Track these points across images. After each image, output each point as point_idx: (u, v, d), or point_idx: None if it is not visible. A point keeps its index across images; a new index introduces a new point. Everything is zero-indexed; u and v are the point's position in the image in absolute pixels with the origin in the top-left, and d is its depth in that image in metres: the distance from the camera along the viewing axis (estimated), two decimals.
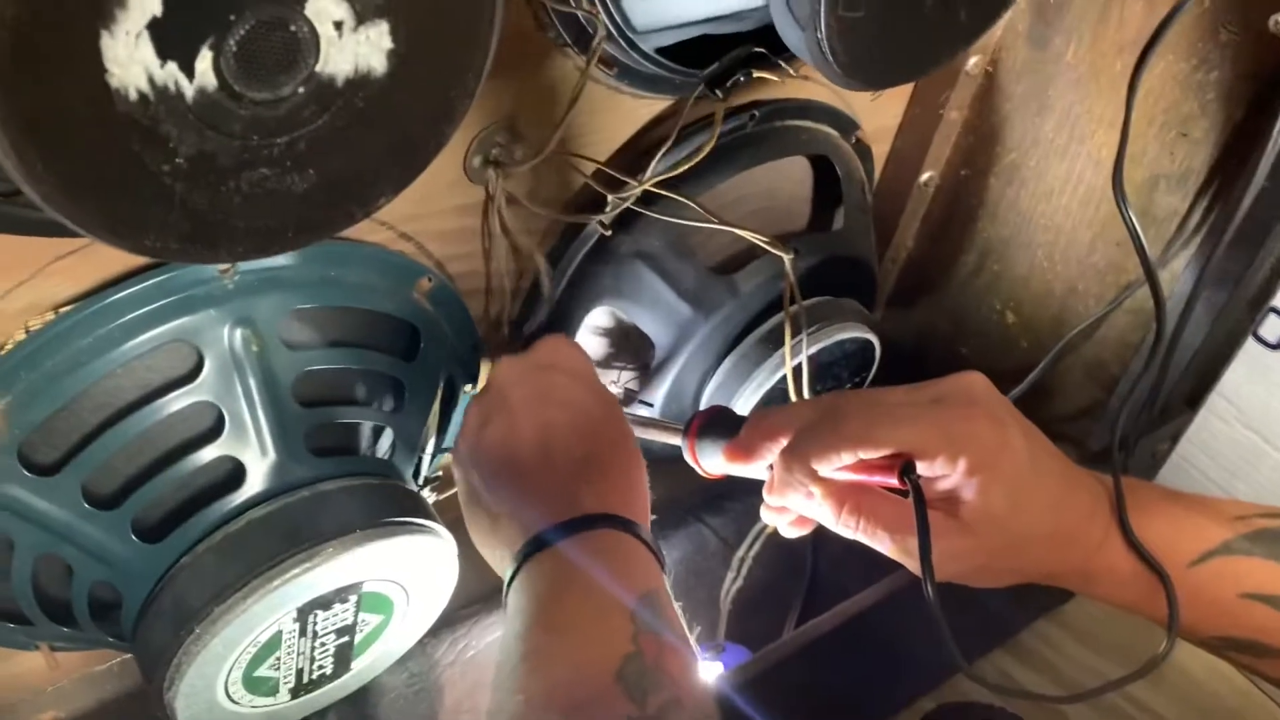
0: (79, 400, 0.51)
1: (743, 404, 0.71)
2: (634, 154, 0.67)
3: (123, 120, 0.34)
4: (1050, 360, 0.78)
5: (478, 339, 0.69)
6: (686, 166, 0.58)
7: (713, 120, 0.63)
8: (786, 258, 0.62)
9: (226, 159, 0.36)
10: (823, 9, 0.49)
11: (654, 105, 0.67)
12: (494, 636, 0.70)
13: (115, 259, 0.52)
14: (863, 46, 0.53)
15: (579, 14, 0.53)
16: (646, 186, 0.59)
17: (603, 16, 0.52)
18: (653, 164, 0.59)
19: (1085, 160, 0.76)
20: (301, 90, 0.37)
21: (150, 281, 0.51)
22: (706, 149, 0.57)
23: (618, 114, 0.66)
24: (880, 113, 0.82)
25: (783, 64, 0.53)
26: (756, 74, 0.54)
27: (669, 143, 0.58)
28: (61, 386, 0.50)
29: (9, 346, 0.51)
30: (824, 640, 0.63)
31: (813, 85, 0.74)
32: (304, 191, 0.39)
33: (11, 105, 0.31)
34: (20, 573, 0.54)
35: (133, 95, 0.33)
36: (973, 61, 0.79)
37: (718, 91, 0.54)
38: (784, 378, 0.70)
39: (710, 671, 0.63)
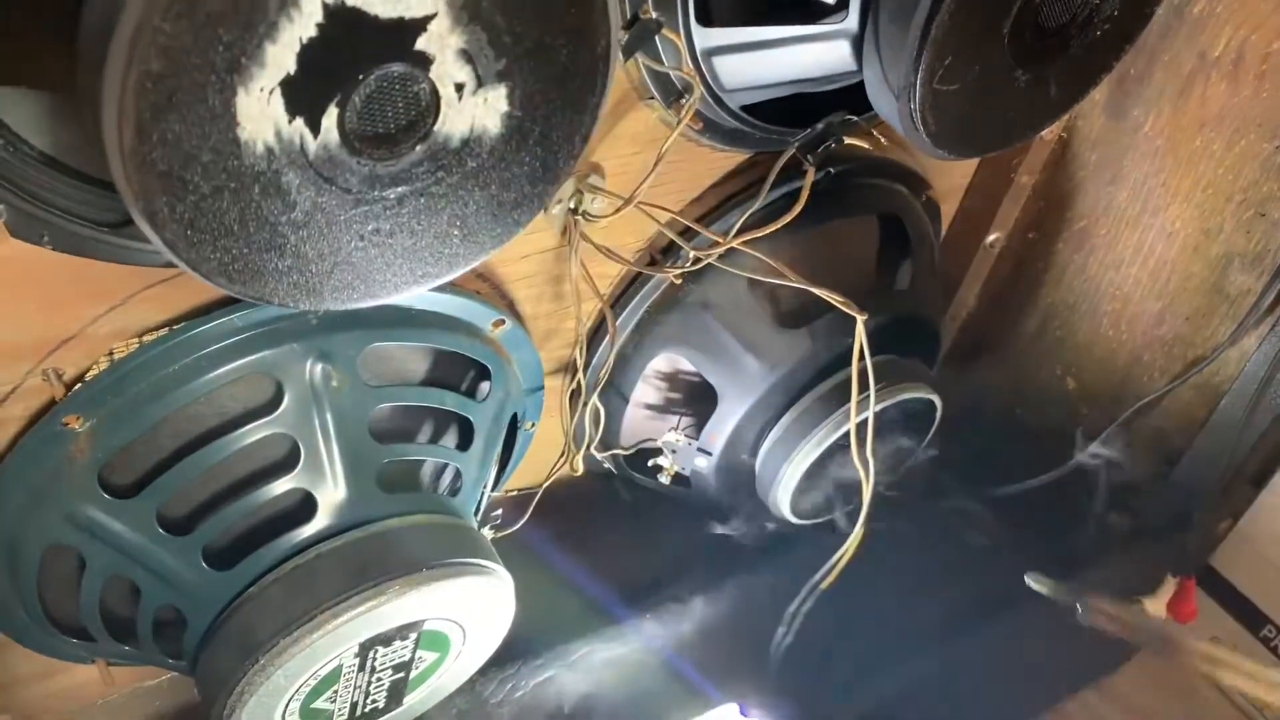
0: (160, 426, 0.52)
1: (802, 458, 0.71)
2: (707, 205, 0.68)
3: (247, 172, 0.34)
4: (1112, 430, 0.77)
5: (541, 380, 0.69)
6: (775, 227, 0.58)
7: (786, 174, 0.64)
8: (860, 319, 0.62)
9: (340, 211, 0.37)
10: (919, 81, 0.50)
11: (732, 158, 0.67)
12: (542, 678, 0.70)
13: (203, 289, 0.53)
14: (953, 118, 0.53)
15: (672, 73, 0.54)
16: (736, 245, 0.59)
17: (696, 76, 0.52)
18: (739, 221, 0.59)
19: (1157, 232, 0.76)
20: (418, 148, 0.37)
21: (237, 314, 0.52)
22: (796, 210, 0.57)
23: (696, 166, 0.66)
24: (950, 172, 0.82)
25: (875, 133, 0.53)
26: (848, 142, 0.54)
27: (759, 202, 0.58)
28: (145, 413, 0.51)
29: (95, 370, 0.51)
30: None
31: (887, 142, 0.74)
32: (409, 245, 0.40)
33: (145, 154, 0.32)
34: (89, 591, 0.54)
35: (259, 149, 0.34)
36: (1048, 127, 0.79)
37: (809, 157, 0.54)
38: (846, 434, 0.70)
39: None
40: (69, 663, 0.63)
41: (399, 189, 0.38)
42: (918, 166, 0.77)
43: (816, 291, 0.60)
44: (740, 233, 0.59)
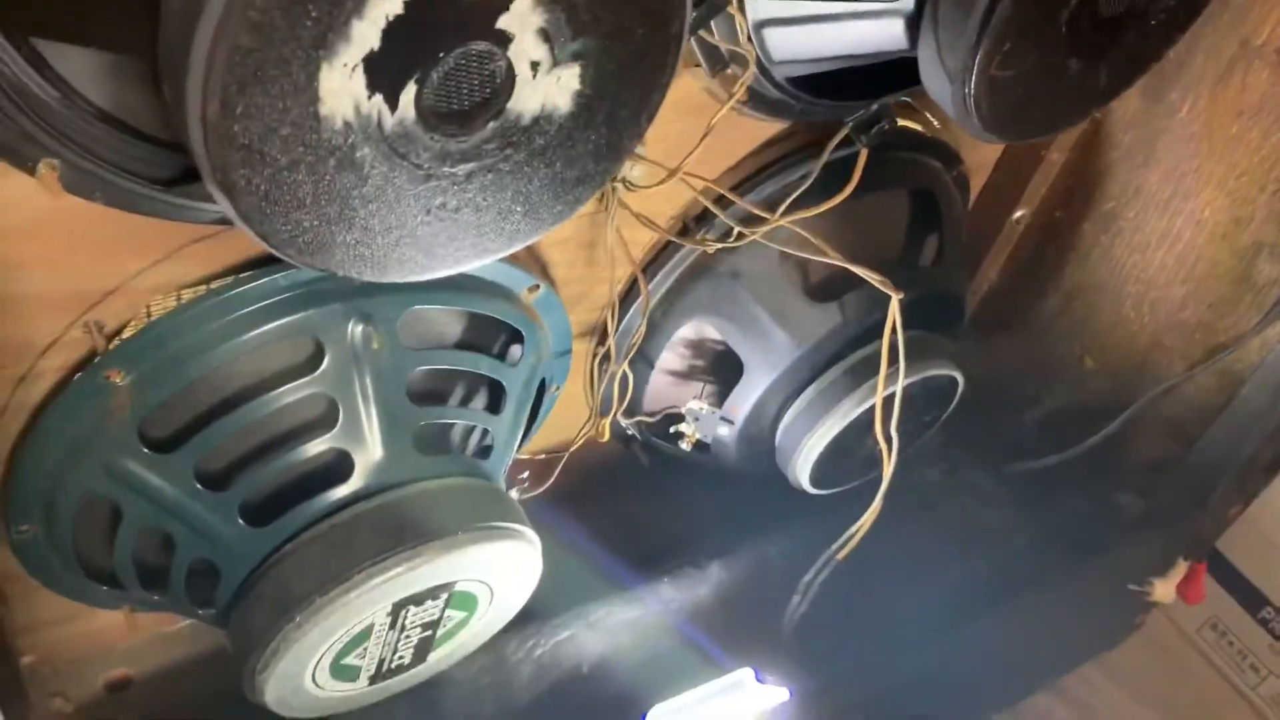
0: (200, 382, 0.52)
1: (825, 430, 0.71)
2: (743, 173, 0.67)
3: (324, 146, 0.34)
4: (1131, 412, 0.78)
5: (570, 344, 0.69)
6: (828, 206, 0.58)
7: (824, 148, 0.63)
8: (896, 297, 0.62)
9: (410, 186, 0.37)
10: (976, 66, 0.49)
11: (769, 128, 0.67)
12: (562, 637, 0.71)
13: (246, 247, 0.52)
14: (1005, 104, 0.53)
15: (724, 47, 0.53)
16: (785, 222, 0.59)
17: (753, 51, 0.52)
18: (788, 200, 0.59)
19: (1187, 218, 0.76)
20: (489, 125, 0.37)
21: (280, 273, 0.52)
22: (848, 190, 0.57)
23: (735, 135, 0.66)
24: (982, 147, 0.82)
25: (928, 115, 0.53)
26: (901, 123, 0.54)
27: (811, 179, 0.58)
28: (186, 368, 0.51)
29: (137, 324, 0.51)
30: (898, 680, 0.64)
31: (920, 115, 0.74)
32: (473, 220, 0.39)
33: (227, 127, 0.32)
34: (124, 542, 0.55)
35: (338, 124, 0.34)
36: None
37: (863, 137, 0.54)
38: (870, 409, 0.70)
39: (776, 697, 0.64)
40: (93, 608, 0.64)
41: (468, 165, 0.38)
42: (951, 141, 0.77)
43: (854, 269, 0.61)
44: (788, 211, 0.59)
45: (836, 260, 0.60)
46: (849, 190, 0.57)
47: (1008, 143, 0.56)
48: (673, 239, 0.63)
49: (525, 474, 0.69)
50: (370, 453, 0.55)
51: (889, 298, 0.66)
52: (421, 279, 0.40)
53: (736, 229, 0.60)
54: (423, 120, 0.35)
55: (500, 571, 0.60)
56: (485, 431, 0.64)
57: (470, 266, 0.41)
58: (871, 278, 0.61)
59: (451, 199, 0.38)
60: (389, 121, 0.35)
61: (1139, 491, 0.83)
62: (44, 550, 0.57)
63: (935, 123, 0.53)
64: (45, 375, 0.52)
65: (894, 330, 0.65)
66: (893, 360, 0.69)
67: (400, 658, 0.61)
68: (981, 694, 0.56)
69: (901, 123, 0.53)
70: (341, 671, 0.58)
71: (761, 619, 0.70)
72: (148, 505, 0.53)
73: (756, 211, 0.60)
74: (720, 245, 0.61)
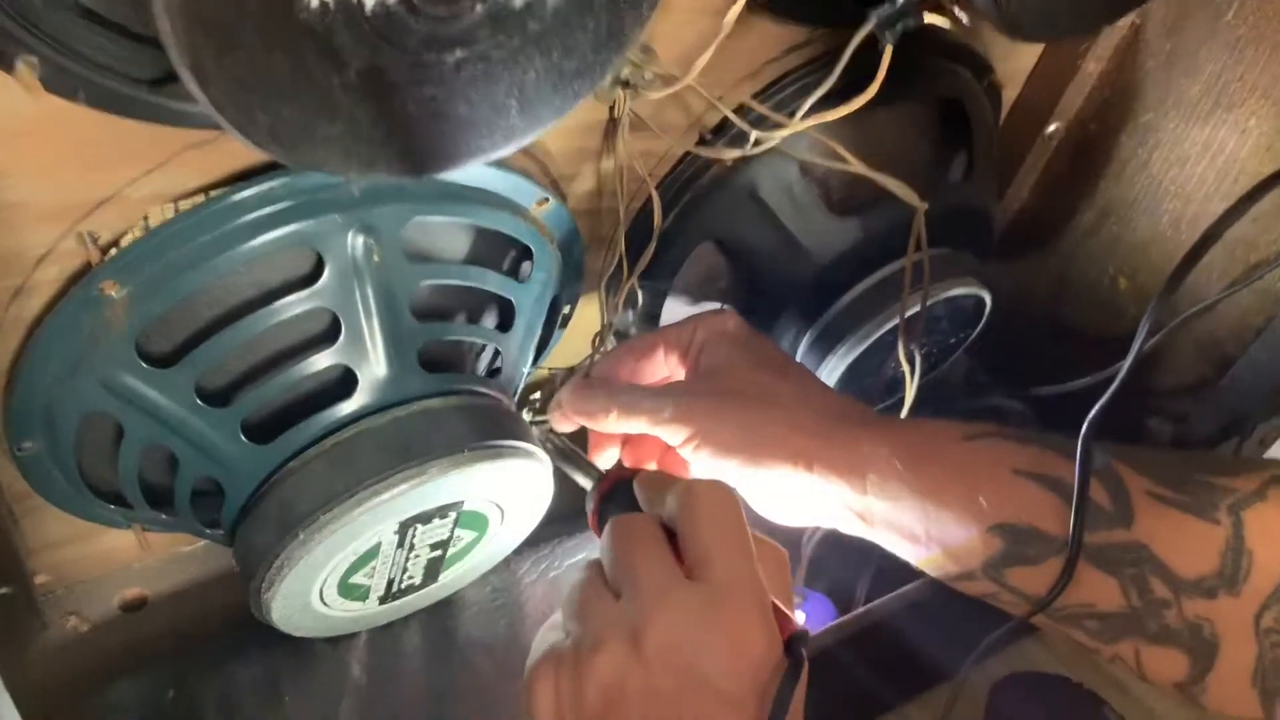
0: (198, 295, 0.51)
1: (846, 350, 0.69)
2: (762, 82, 0.64)
3: (299, 28, 0.32)
4: (1165, 333, 0.75)
5: (582, 262, 0.68)
6: (849, 109, 0.55)
7: (840, 55, 0.60)
8: (921, 208, 0.60)
9: (396, 75, 0.35)
10: None
11: (787, 33, 0.64)
12: (576, 559, 0.70)
13: (242, 154, 0.51)
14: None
15: None
16: (804, 128, 0.56)
17: None
18: (809, 102, 0.56)
19: (1230, 129, 0.72)
20: (479, 8, 0.35)
21: (277, 181, 0.50)
22: (872, 91, 0.54)
23: (750, 40, 0.63)
24: (1015, 56, 0.78)
25: (957, 11, 0.50)
26: (928, 19, 0.51)
27: (830, 83, 0.55)
28: (183, 281, 0.50)
29: (132, 235, 0.50)
30: (915, 603, 0.62)
31: (952, 13, 0.70)
32: (465, 114, 0.37)
33: (192, 3, 0.30)
34: (127, 459, 0.54)
35: (314, 3, 0.32)
36: None
37: (887, 34, 0.51)
38: (893, 329, 0.68)
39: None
40: (105, 527, 0.64)
41: (457, 53, 0.36)
42: (982, 49, 0.73)
43: (876, 178, 0.58)
44: (808, 115, 0.56)
45: (858, 168, 0.57)
46: (872, 91, 0.54)
47: (1035, 41, 0.53)
48: (688, 147, 0.61)
49: (537, 394, 0.67)
50: (374, 369, 0.54)
51: (914, 212, 0.63)
52: (415, 177, 0.38)
53: (754, 135, 0.57)
54: (405, 1, 0.33)
55: (510, 491, 0.59)
56: (496, 351, 0.62)
57: (466, 165, 0.39)
58: (895, 187, 0.58)
59: (441, 90, 0.36)
60: (369, 1, 0.33)
61: (1171, 416, 0.80)
62: (48, 467, 0.56)
63: (964, 19, 0.50)
64: (40, 288, 0.50)
65: (919, 244, 0.63)
66: (918, 279, 0.67)
67: (410, 577, 0.60)
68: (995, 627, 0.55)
69: (929, 19, 0.50)
70: (350, 590, 0.58)
71: (779, 539, 0.68)
72: (148, 422, 0.52)
73: (775, 117, 0.57)
74: (737, 154, 0.59)
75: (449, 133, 0.37)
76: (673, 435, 0.56)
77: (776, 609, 0.44)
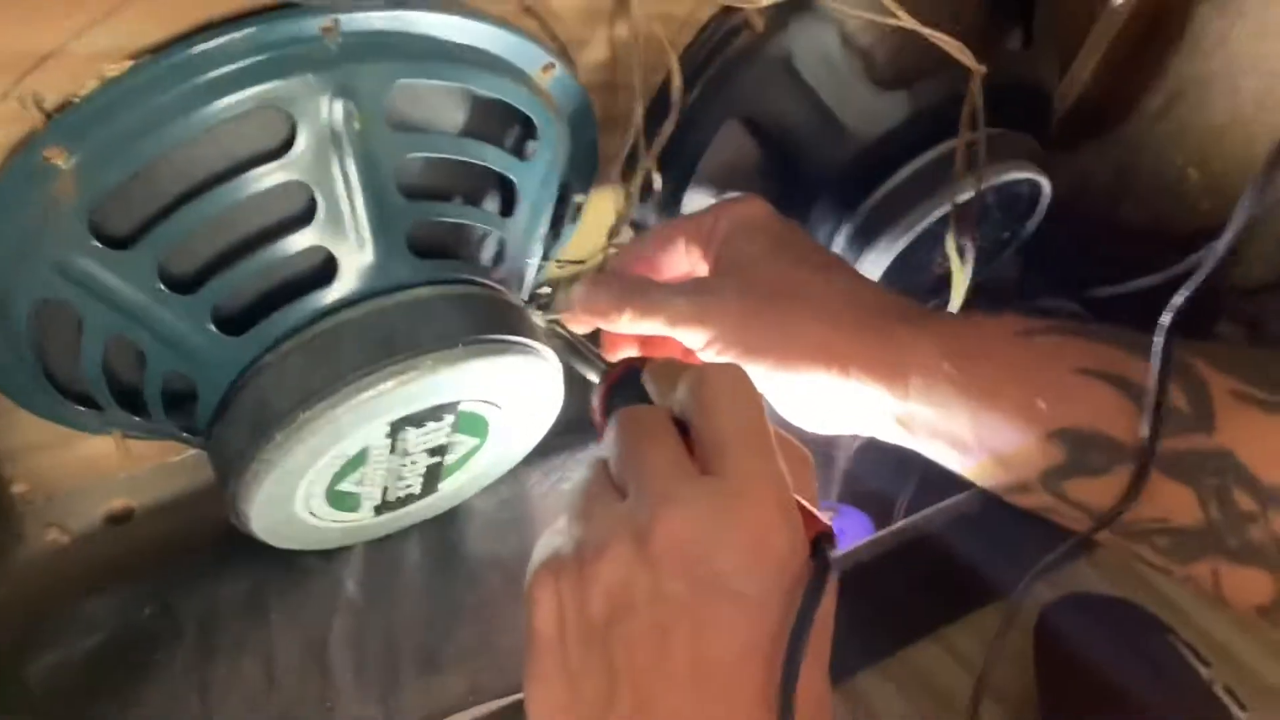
0: (157, 166, 0.45)
1: (887, 244, 0.63)
2: None
3: None
4: (1241, 230, 0.67)
5: (596, 141, 0.61)
6: None
7: None
8: (979, 71, 0.53)
9: None
10: None
11: None
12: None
13: (203, 3, 0.44)
14: None
15: None
16: None
17: None
18: None
19: None
20: None
21: (242, 32, 0.44)
22: None
23: None
24: None
25: None
26: None
27: None
28: (138, 148, 0.44)
29: (82, 96, 0.44)
30: (960, 517, 0.57)
31: None
32: None
33: None
34: (89, 353, 0.49)
35: None
36: None
37: None
38: (942, 219, 0.61)
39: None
40: (85, 433, 0.59)
41: None
42: None
43: (928, 33, 0.51)
44: None
45: (906, 22, 0.50)
46: None
47: None
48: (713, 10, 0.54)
49: (546, 289, 0.61)
50: (356, 252, 0.48)
51: (969, 80, 0.56)
52: (359, 9, 0.32)
53: None
54: None
55: (512, 393, 0.53)
56: (500, 241, 0.56)
57: None
58: (946, 42, 0.51)
59: None
60: None
61: (1243, 319, 0.73)
62: (8, 363, 0.51)
63: None
64: None
65: (974, 119, 0.56)
66: (970, 161, 0.60)
67: (407, 486, 0.55)
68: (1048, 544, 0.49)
69: None
70: (339, 500, 0.53)
71: (814, 450, 0.63)
72: (108, 310, 0.47)
73: None
74: (764, 4, 0.52)
75: None
76: (693, 337, 0.51)
77: (801, 507, 0.39)
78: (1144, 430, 0.43)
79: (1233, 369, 0.45)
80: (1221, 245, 0.47)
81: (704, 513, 0.37)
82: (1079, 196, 0.83)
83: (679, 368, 0.45)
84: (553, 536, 0.42)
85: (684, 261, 0.56)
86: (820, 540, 0.38)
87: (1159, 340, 0.44)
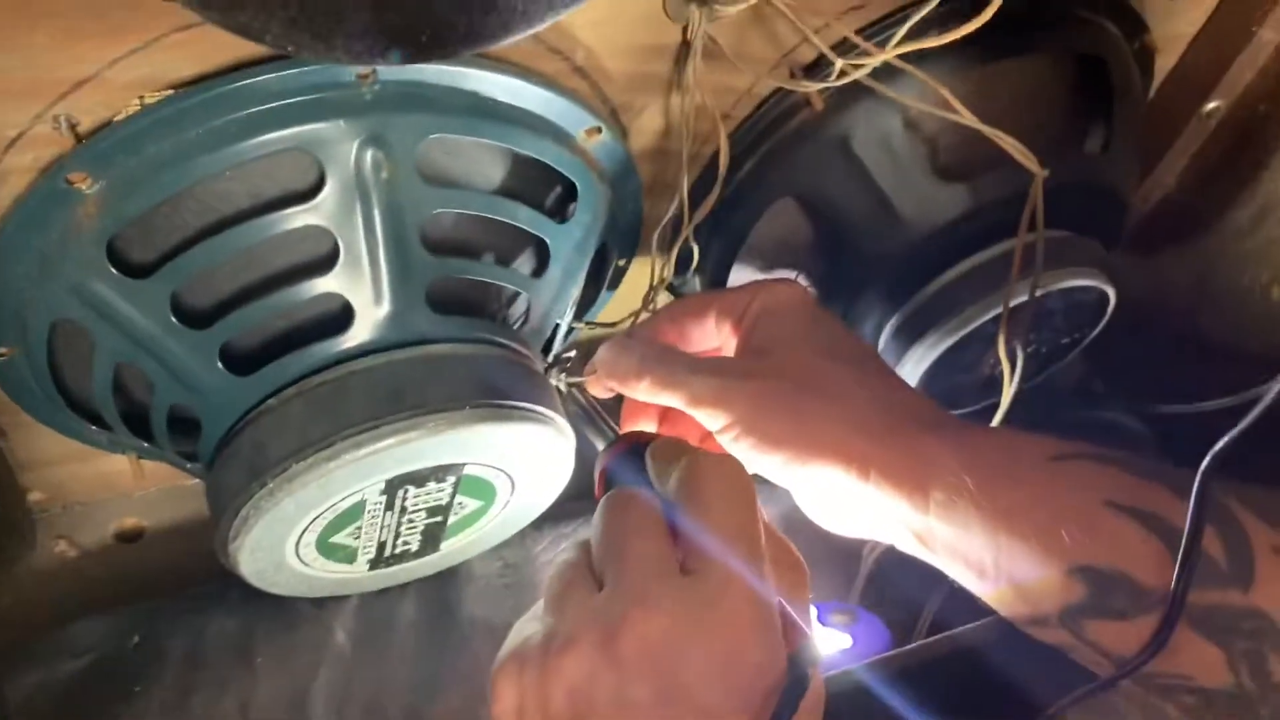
0: (181, 198, 0.44)
1: (939, 338, 0.60)
2: (868, 17, 0.55)
3: None
4: None
5: (641, 209, 0.59)
6: (949, 38, 0.46)
7: None
8: (1040, 174, 0.50)
9: None
10: None
11: None
12: None
13: (243, 43, 0.44)
14: None
15: None
16: (891, 57, 0.47)
17: None
18: (902, 31, 0.47)
19: None
20: None
21: (277, 74, 0.43)
22: (988, 14, 0.44)
23: None
24: (1175, 17, 0.67)
25: None
26: None
27: (931, 4, 0.46)
28: (163, 179, 0.43)
29: (116, 122, 0.44)
30: (986, 643, 0.53)
31: None
32: None
33: None
34: (100, 376, 0.48)
35: None
36: None
37: None
38: (995, 318, 0.58)
39: (836, 643, 0.54)
40: (99, 450, 0.59)
41: None
42: (1136, 2, 0.62)
43: (989, 132, 0.48)
44: (904, 42, 0.46)
45: (967, 118, 0.48)
46: (988, 14, 0.44)
47: None
48: (768, 80, 0.52)
49: (572, 353, 0.59)
50: (373, 303, 0.47)
51: (1032, 180, 0.53)
52: (385, 63, 0.31)
53: (839, 64, 0.48)
54: None
55: (521, 459, 0.51)
56: (529, 300, 0.54)
57: (448, 52, 0.31)
58: (1009, 144, 0.49)
59: None
60: None
61: None
62: (26, 377, 0.51)
63: None
64: (13, 175, 0.44)
65: (1034, 220, 0.53)
66: (1029, 262, 0.57)
67: (404, 543, 0.54)
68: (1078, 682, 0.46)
69: None
70: (333, 551, 0.51)
71: (834, 552, 0.60)
72: (120, 336, 0.46)
73: (867, 46, 0.48)
74: (820, 87, 0.50)
75: (425, 7, 0.30)
76: (710, 419, 0.48)
77: (785, 616, 0.36)
78: (1173, 578, 0.40)
79: (1279, 519, 0.41)
80: (1277, 382, 0.43)
81: (677, 618, 0.35)
82: (1155, 304, 0.79)
83: (680, 449, 0.43)
84: (528, 623, 0.40)
85: (713, 335, 0.54)
86: (797, 655, 0.35)
87: (1199, 480, 0.40)
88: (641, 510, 0.40)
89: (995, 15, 0.53)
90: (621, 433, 0.49)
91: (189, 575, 0.62)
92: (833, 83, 0.49)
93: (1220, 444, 0.41)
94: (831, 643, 0.56)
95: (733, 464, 0.40)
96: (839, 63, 0.47)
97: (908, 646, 0.53)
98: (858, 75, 0.48)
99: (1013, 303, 0.57)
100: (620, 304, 0.64)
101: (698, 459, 0.40)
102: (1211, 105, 0.70)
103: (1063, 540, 0.42)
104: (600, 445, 0.49)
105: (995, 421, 0.60)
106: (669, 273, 0.59)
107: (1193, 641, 0.40)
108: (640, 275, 0.62)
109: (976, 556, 0.44)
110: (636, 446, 0.45)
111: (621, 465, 0.45)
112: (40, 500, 0.62)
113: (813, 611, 0.59)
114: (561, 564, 0.40)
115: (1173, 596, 0.39)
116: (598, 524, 0.40)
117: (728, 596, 0.36)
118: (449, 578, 0.59)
